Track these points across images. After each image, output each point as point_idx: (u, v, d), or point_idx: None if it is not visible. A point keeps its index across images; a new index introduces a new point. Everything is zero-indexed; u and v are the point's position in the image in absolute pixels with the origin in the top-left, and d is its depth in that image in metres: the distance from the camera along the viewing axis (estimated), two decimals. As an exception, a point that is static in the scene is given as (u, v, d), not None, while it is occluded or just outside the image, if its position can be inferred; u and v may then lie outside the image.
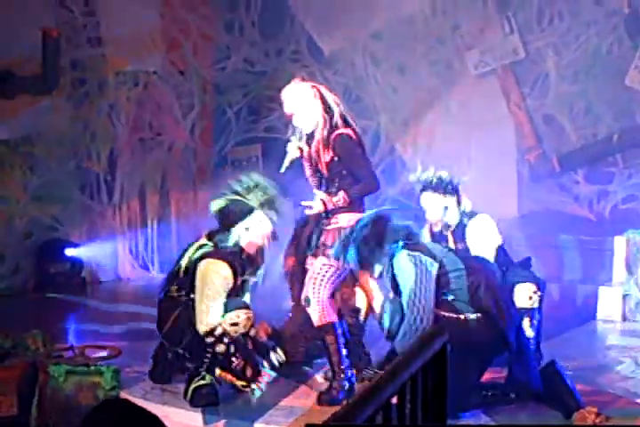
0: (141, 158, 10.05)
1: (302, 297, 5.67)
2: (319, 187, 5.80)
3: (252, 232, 5.85)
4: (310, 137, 5.77)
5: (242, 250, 5.86)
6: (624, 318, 8.09)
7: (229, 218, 5.86)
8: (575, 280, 8.90)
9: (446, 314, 5.31)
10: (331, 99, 5.78)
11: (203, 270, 5.76)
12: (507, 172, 9.77)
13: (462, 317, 5.30)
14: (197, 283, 5.76)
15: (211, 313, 5.66)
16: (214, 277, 5.72)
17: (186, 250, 5.97)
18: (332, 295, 5.70)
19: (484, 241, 6.04)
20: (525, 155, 9.82)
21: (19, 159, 9.34)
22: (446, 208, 6.07)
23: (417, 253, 5.37)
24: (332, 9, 10.01)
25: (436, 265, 5.37)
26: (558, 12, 9.68)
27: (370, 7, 9.96)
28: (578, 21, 9.63)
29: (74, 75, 9.70)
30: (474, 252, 5.98)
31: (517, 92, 9.80)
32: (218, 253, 5.83)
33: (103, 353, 6.70)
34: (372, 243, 5.36)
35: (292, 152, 5.82)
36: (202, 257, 5.81)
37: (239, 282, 5.84)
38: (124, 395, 5.68)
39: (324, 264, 5.61)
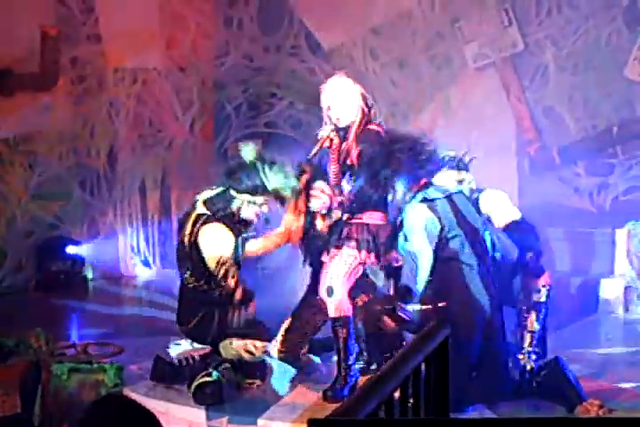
0: (141, 155, 10.04)
1: (325, 287, 5.69)
2: (340, 180, 5.86)
3: (251, 208, 5.89)
4: (343, 130, 5.81)
5: (234, 214, 5.90)
6: (626, 310, 8.10)
7: (242, 183, 5.87)
8: (577, 272, 8.90)
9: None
10: (368, 98, 5.88)
11: (205, 235, 5.80)
12: (507, 164, 9.76)
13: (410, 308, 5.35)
14: (203, 248, 5.80)
15: (219, 251, 5.76)
16: (217, 238, 5.78)
17: (184, 222, 5.96)
18: (350, 291, 5.74)
19: (498, 212, 6.01)
20: (525, 147, 9.80)
21: (19, 157, 9.34)
22: (460, 182, 6.06)
23: (429, 211, 5.44)
24: (330, 4, 10.00)
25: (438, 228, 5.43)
26: (557, 3, 9.65)
27: (368, 2, 9.95)
28: (576, 13, 9.60)
29: (73, 72, 9.69)
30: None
31: (517, 84, 9.79)
32: (215, 218, 5.85)
33: (106, 351, 6.70)
34: None
35: (323, 141, 5.84)
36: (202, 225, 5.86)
37: (240, 241, 5.89)
38: (127, 392, 5.68)
39: (350, 255, 5.66)
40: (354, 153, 5.78)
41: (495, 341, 5.49)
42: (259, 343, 5.82)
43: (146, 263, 10.00)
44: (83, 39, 9.72)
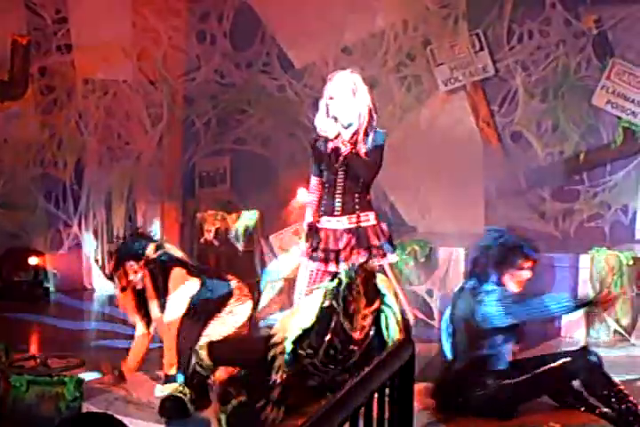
0: (109, 167, 9.99)
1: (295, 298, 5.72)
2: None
3: None
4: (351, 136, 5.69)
5: None
6: (588, 336, 8.14)
7: None
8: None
9: None
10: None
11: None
12: (474, 187, 9.81)
13: None
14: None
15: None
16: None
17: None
18: None
19: None
20: (493, 171, 9.85)
21: (-16, 166, 9.28)
22: None
23: None
24: (303, 22, 10.02)
25: None
26: (528, 30, 9.75)
27: (341, 21, 9.98)
28: (547, 40, 9.71)
29: (42, 81, 9.65)
30: None
31: (486, 108, 9.86)
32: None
33: (66, 364, 6.63)
34: None
35: (332, 148, 5.70)
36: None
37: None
38: (86, 406, 5.62)
39: (319, 269, 5.67)
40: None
41: None
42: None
43: (109, 277, 9.91)
44: (54, 49, 9.69)
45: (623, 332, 8.10)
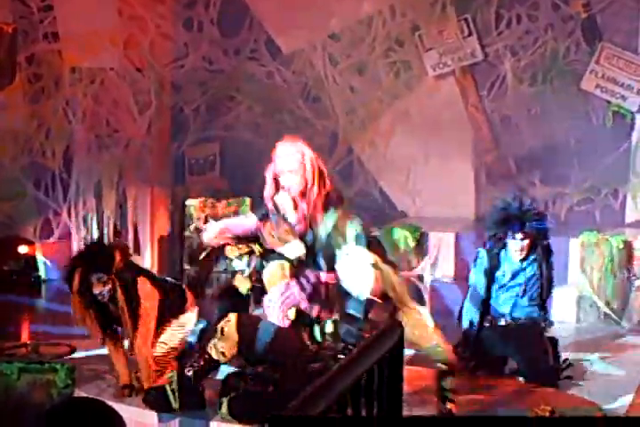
0: (97, 155, 9.97)
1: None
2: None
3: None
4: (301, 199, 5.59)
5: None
6: (578, 319, 8.17)
7: None
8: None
9: None
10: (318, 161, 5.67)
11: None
12: (464, 173, 9.81)
13: None
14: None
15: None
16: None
17: None
18: None
19: None
20: (482, 156, 9.86)
21: (-28, 155, 9.26)
22: None
23: None
24: (291, 9, 10.00)
25: None
26: (516, 15, 9.74)
27: (328, 7, 9.96)
28: (535, 25, 9.70)
29: (29, 70, 9.62)
30: None
31: (475, 93, 9.85)
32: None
33: (57, 351, 6.63)
34: None
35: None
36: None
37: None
38: (78, 393, 5.62)
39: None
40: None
41: None
42: None
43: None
44: (40, 37, 9.66)
45: (613, 315, 8.13)
